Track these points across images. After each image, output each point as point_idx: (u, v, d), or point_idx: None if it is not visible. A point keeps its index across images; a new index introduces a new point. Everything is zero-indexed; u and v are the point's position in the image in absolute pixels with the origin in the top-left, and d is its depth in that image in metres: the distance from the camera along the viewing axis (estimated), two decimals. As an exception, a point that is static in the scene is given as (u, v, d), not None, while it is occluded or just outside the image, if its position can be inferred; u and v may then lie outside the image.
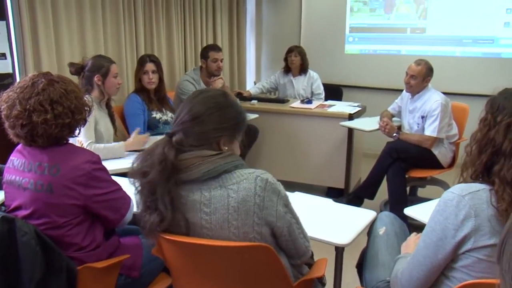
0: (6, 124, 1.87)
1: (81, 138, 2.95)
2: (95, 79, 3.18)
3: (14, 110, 1.83)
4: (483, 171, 1.50)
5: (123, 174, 2.68)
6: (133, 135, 3.27)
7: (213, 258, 1.60)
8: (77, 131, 2.00)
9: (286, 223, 1.60)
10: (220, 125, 1.61)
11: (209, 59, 4.50)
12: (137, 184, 1.60)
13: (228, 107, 1.65)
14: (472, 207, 1.41)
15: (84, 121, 2.00)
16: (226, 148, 1.63)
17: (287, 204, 1.61)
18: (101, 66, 3.21)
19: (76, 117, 1.93)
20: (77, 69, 3.21)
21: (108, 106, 3.36)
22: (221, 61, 4.54)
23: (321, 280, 1.92)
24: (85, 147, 2.89)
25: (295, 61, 5.23)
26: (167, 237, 1.57)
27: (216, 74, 4.52)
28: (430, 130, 3.80)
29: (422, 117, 3.89)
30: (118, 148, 3.13)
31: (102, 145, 3.06)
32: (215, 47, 4.60)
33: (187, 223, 1.56)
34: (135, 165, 1.60)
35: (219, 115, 1.62)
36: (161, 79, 3.92)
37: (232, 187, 1.52)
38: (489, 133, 1.47)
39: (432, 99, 3.83)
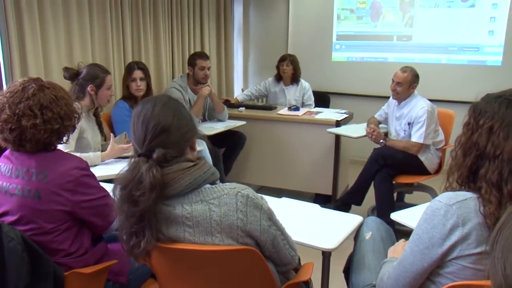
0: None
1: (60, 147, 2.84)
2: (88, 88, 3.17)
3: (3, 114, 1.82)
4: (468, 175, 1.51)
5: (111, 181, 2.69)
6: (110, 146, 3.16)
7: (200, 263, 1.60)
8: (65, 138, 1.99)
9: (270, 236, 1.60)
10: (187, 127, 1.61)
11: (196, 67, 4.49)
12: (124, 209, 1.53)
13: (182, 108, 1.65)
14: (459, 217, 1.42)
15: (73, 128, 2.01)
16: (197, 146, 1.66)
17: (271, 218, 1.61)
18: (96, 77, 3.19)
19: (65, 123, 1.93)
20: (71, 75, 3.18)
21: (96, 114, 3.34)
22: (208, 69, 4.53)
23: (308, 285, 1.92)
24: None
25: (287, 70, 5.22)
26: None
27: (203, 82, 4.50)
28: (417, 136, 3.84)
29: (409, 123, 3.92)
30: (94, 157, 3.05)
31: (77, 155, 2.94)
32: (202, 55, 4.59)
33: (170, 240, 1.56)
34: (121, 192, 1.53)
35: (182, 118, 1.61)
36: (149, 86, 3.92)
37: (213, 201, 1.52)
38: (473, 137, 1.49)
39: (418, 106, 3.86)
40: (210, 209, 1.51)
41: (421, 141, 3.82)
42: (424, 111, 3.80)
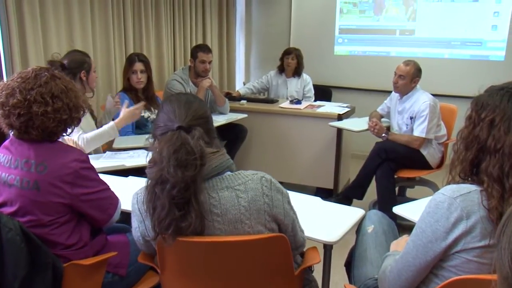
0: (0, 113, 1.85)
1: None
2: (81, 75, 3.13)
3: (13, 98, 1.81)
4: (471, 169, 1.49)
5: (111, 173, 2.68)
6: (123, 110, 3.21)
7: (228, 255, 1.59)
8: (69, 130, 1.99)
9: (290, 220, 1.66)
10: (213, 127, 1.69)
11: (197, 60, 4.47)
12: (177, 174, 1.45)
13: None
14: (463, 210, 1.40)
15: (78, 121, 2.00)
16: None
17: (289, 202, 1.67)
18: (84, 62, 3.17)
19: (73, 115, 1.93)
20: (58, 67, 3.08)
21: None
22: (209, 63, 4.49)
23: (310, 267, 1.93)
24: (76, 141, 2.84)
25: (291, 64, 5.23)
26: (183, 239, 1.51)
27: (203, 75, 4.48)
28: (419, 130, 3.82)
29: (411, 118, 3.90)
30: (110, 129, 3.06)
31: (93, 133, 2.99)
32: (204, 48, 4.54)
33: (201, 223, 1.51)
34: (174, 155, 1.46)
35: (211, 119, 1.71)
36: (149, 79, 3.90)
37: (239, 187, 1.54)
38: (474, 131, 1.47)
39: (420, 100, 3.84)
40: (237, 195, 1.53)
41: (423, 135, 3.80)
42: (427, 105, 3.78)
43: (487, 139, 1.43)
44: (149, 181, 1.52)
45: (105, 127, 3.08)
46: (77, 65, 3.14)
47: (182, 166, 1.45)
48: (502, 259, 0.84)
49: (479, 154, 1.46)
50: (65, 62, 3.12)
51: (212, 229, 1.54)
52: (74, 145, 2.79)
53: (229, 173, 1.59)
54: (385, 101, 4.37)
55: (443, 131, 3.98)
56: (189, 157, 1.46)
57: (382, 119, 4.34)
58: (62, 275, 1.84)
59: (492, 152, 1.42)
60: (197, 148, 1.47)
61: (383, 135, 3.98)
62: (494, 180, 1.39)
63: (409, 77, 3.88)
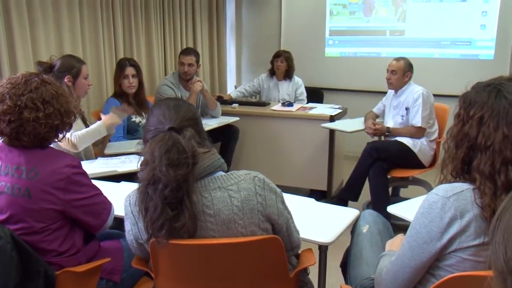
0: None
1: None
2: (65, 80, 3.08)
3: (3, 105, 1.79)
4: (462, 167, 1.49)
5: (103, 178, 2.66)
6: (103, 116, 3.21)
7: (221, 257, 1.58)
8: (61, 135, 1.97)
9: (284, 219, 1.65)
10: (203, 129, 1.69)
11: (178, 62, 4.52)
12: (170, 174, 1.45)
13: None
14: (457, 209, 1.40)
15: (70, 126, 1.99)
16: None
17: (283, 201, 1.66)
18: (72, 67, 3.12)
19: (65, 120, 1.92)
20: (46, 68, 3.05)
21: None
22: (189, 66, 4.45)
23: (305, 269, 1.92)
24: (69, 137, 2.82)
25: (281, 67, 5.22)
26: (176, 242, 1.51)
27: (183, 77, 4.49)
28: (416, 120, 3.90)
29: (406, 108, 3.97)
30: (99, 127, 3.04)
31: (83, 131, 2.96)
32: (184, 50, 4.58)
33: (194, 223, 1.50)
34: (166, 155, 1.45)
35: (201, 121, 1.70)
36: (141, 83, 3.89)
37: (231, 187, 1.54)
38: (464, 128, 1.47)
39: (414, 91, 3.94)
40: (230, 195, 1.52)
41: (419, 124, 3.87)
42: (419, 94, 3.88)
43: (477, 136, 1.43)
44: (141, 182, 1.51)
45: (93, 125, 3.06)
46: (63, 69, 3.09)
47: (174, 165, 1.45)
48: (497, 254, 0.83)
49: (469, 152, 1.46)
50: (55, 64, 3.09)
51: (205, 230, 1.53)
52: (66, 142, 2.79)
53: (221, 173, 1.59)
54: (381, 100, 4.41)
55: (435, 126, 4.02)
56: (181, 156, 1.46)
57: (377, 119, 4.36)
58: (55, 283, 1.82)
59: (482, 149, 1.41)
60: (188, 147, 1.47)
61: (386, 133, 4.07)
62: (486, 177, 1.39)
63: (401, 71, 3.96)
